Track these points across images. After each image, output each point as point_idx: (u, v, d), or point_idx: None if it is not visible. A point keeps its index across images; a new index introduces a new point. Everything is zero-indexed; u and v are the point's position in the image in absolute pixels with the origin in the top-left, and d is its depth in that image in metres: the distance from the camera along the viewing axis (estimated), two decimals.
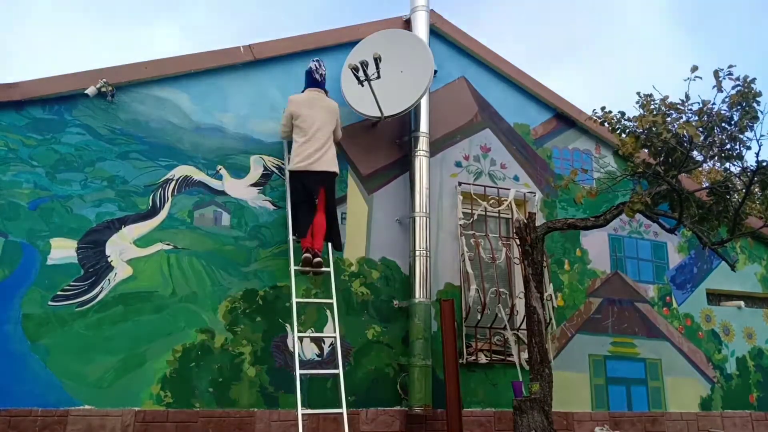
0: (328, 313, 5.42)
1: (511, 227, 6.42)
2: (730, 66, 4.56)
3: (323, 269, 5.18)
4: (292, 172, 5.25)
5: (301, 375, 4.77)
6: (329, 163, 5.18)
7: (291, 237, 5.27)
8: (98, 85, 5.11)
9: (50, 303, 4.73)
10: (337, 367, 4.93)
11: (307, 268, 5.12)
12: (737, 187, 5.16)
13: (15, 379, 4.51)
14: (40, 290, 4.73)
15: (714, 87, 4.61)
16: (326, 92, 5.49)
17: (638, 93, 4.94)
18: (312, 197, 5.18)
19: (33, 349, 4.60)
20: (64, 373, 4.62)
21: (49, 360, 4.61)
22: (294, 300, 5.04)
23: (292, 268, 5.14)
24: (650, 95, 4.92)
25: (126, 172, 5.20)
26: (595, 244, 6.82)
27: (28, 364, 4.57)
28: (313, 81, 5.41)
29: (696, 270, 7.34)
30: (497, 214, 6.45)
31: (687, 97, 4.69)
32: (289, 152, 5.43)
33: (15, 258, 4.76)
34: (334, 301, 5.14)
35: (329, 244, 5.34)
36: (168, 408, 4.80)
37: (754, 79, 4.54)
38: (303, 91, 5.45)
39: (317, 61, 5.49)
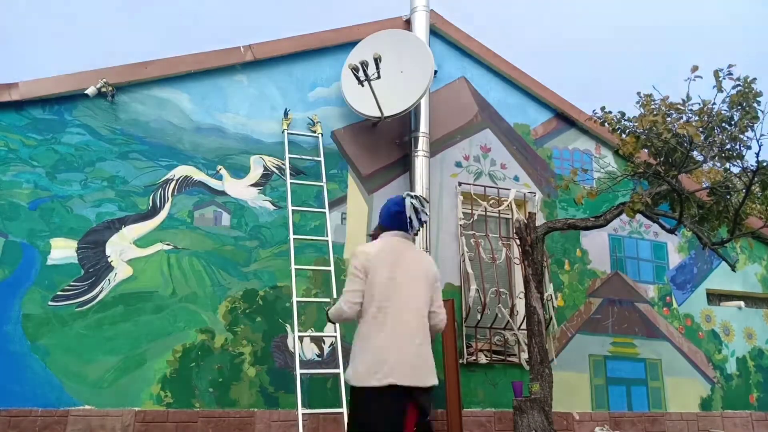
0: None
1: (511, 227, 6.41)
2: (730, 66, 4.56)
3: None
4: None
5: (301, 375, 4.77)
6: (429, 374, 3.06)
7: (291, 236, 5.26)
8: (98, 85, 5.11)
9: (50, 303, 4.73)
10: (337, 367, 4.92)
11: None
12: (737, 187, 5.16)
13: (15, 379, 4.51)
14: (40, 290, 4.73)
15: (714, 87, 4.61)
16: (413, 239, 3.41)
17: (638, 93, 4.94)
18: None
19: (33, 349, 4.60)
20: (64, 373, 4.62)
21: (49, 360, 4.61)
22: (294, 299, 5.04)
23: (293, 267, 5.14)
24: (650, 95, 4.92)
25: (126, 172, 5.20)
26: (595, 244, 6.82)
27: (28, 364, 4.57)
28: (404, 225, 3.20)
29: (696, 270, 7.34)
30: (497, 214, 6.44)
31: (688, 97, 4.69)
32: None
33: (15, 258, 4.76)
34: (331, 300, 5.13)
35: None
36: (168, 408, 4.80)
37: (755, 79, 4.54)
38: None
39: (418, 198, 3.23)
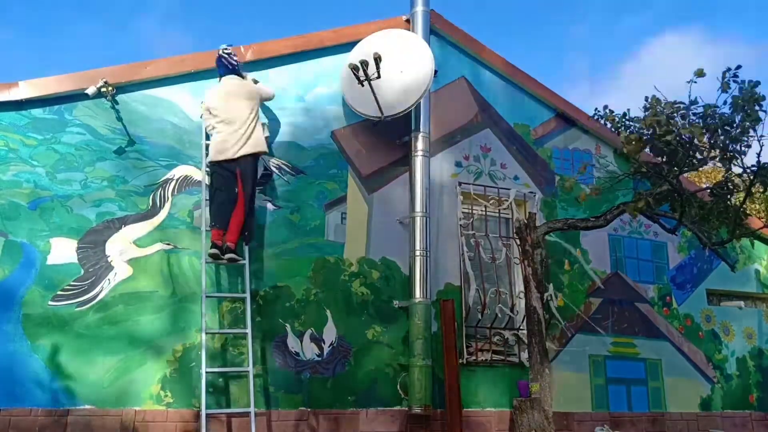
0: (328, 312, 5.43)
1: (512, 227, 6.41)
2: (737, 67, 4.56)
3: (239, 260, 5.02)
4: (211, 164, 5.18)
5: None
6: (246, 147, 5.09)
7: (204, 228, 5.11)
8: (98, 85, 5.10)
9: (50, 303, 4.73)
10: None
11: (220, 262, 4.96)
12: (738, 188, 5.15)
13: (15, 379, 4.52)
14: (40, 290, 4.73)
15: (719, 89, 4.61)
16: (242, 76, 5.43)
17: (646, 98, 4.92)
18: (231, 187, 5.05)
19: (33, 349, 4.61)
20: (64, 373, 4.62)
21: (49, 360, 4.61)
22: (204, 295, 4.92)
23: (204, 259, 5.01)
24: (657, 98, 4.91)
25: (126, 172, 5.20)
26: (595, 244, 6.82)
27: (28, 364, 4.57)
28: (226, 69, 5.36)
29: (696, 270, 7.34)
30: (497, 214, 6.45)
31: (694, 101, 4.69)
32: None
33: (15, 258, 4.76)
34: (248, 295, 5.03)
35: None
36: (168, 408, 4.80)
37: (758, 82, 4.54)
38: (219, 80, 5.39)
39: (227, 48, 5.36)
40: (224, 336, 5.09)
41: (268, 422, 5.02)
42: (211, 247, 4.94)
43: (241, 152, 5.07)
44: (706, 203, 5.32)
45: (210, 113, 5.23)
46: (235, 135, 5.10)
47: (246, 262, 5.13)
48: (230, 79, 5.34)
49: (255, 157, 5.19)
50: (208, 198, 5.21)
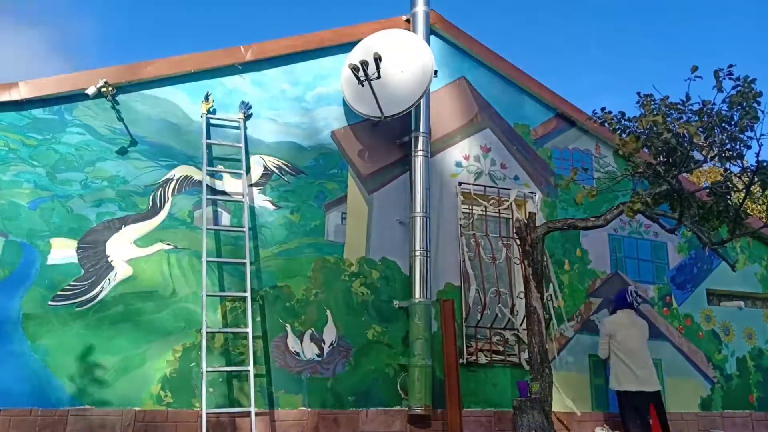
0: (328, 312, 5.43)
1: (512, 227, 6.41)
2: (730, 66, 4.55)
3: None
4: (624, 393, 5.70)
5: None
6: (655, 383, 5.77)
7: (204, 227, 5.13)
8: (98, 85, 5.10)
9: (50, 303, 4.73)
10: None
11: None
12: (738, 187, 5.15)
13: (15, 379, 4.51)
14: (40, 290, 4.73)
15: (714, 87, 4.60)
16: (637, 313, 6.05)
17: (638, 93, 4.93)
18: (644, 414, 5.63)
19: (33, 349, 4.60)
20: (64, 373, 4.62)
21: (49, 360, 4.61)
22: (204, 294, 4.93)
23: (204, 258, 5.04)
24: (650, 95, 4.91)
25: (126, 172, 5.21)
26: (595, 244, 6.82)
27: (28, 364, 4.57)
28: (627, 304, 5.97)
29: (696, 270, 7.34)
30: (497, 214, 6.45)
31: (688, 97, 4.68)
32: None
33: (15, 258, 4.76)
34: (248, 294, 5.05)
35: None
36: (168, 408, 4.80)
37: (755, 79, 4.52)
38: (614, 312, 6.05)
39: (635, 291, 6.15)
40: (225, 335, 5.09)
41: (268, 422, 5.02)
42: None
43: (657, 388, 5.89)
44: (706, 203, 5.32)
45: (611, 339, 5.93)
46: (644, 367, 5.82)
47: (247, 261, 5.13)
48: (629, 313, 6.02)
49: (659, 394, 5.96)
50: (208, 196, 5.22)
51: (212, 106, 5.55)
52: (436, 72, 5.90)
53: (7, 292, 4.66)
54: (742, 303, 7.44)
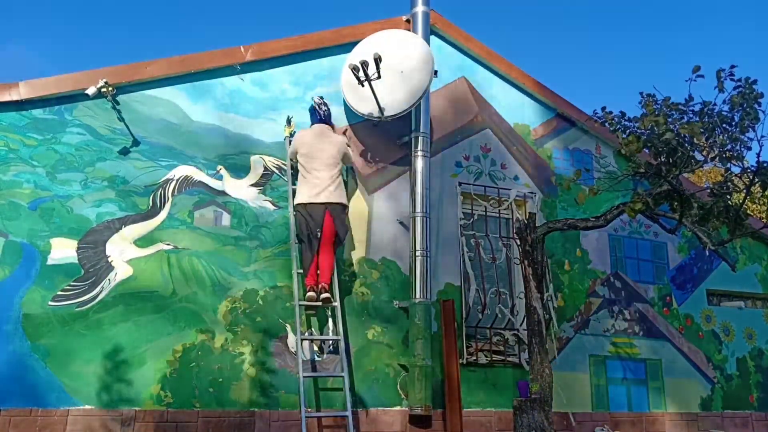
0: (328, 312, 5.43)
1: (512, 227, 6.41)
2: (732, 66, 4.54)
3: (332, 303, 5.23)
4: (296, 206, 5.28)
5: (304, 377, 4.85)
6: (334, 195, 5.24)
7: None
8: (98, 85, 5.10)
9: (50, 303, 4.73)
10: (341, 370, 4.97)
11: (313, 304, 5.16)
12: (738, 188, 5.15)
13: (15, 379, 4.51)
14: (40, 290, 4.73)
15: (715, 87, 4.59)
16: (332, 127, 5.61)
17: (641, 93, 4.92)
18: (316, 232, 5.16)
19: (33, 349, 4.60)
20: (64, 373, 4.62)
21: (49, 360, 4.61)
22: (297, 302, 5.08)
23: (295, 270, 5.24)
24: (652, 95, 4.91)
25: (126, 172, 5.20)
26: (595, 244, 6.82)
27: (28, 364, 4.57)
28: (317, 118, 5.54)
29: (696, 270, 7.34)
30: (497, 214, 6.44)
31: (690, 98, 4.68)
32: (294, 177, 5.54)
33: (15, 258, 4.76)
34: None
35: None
36: (168, 408, 4.79)
37: (756, 80, 4.52)
38: (310, 127, 5.57)
39: (320, 97, 5.62)
40: (224, 336, 5.08)
41: (268, 422, 5.02)
42: (308, 291, 5.11)
43: (332, 199, 5.22)
44: (706, 203, 5.32)
45: (298, 154, 5.36)
46: (324, 180, 5.24)
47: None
48: (321, 127, 5.49)
49: (344, 207, 5.34)
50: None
51: (294, 129, 5.72)
52: (436, 72, 5.90)
53: (7, 292, 4.66)
54: (742, 303, 7.44)
